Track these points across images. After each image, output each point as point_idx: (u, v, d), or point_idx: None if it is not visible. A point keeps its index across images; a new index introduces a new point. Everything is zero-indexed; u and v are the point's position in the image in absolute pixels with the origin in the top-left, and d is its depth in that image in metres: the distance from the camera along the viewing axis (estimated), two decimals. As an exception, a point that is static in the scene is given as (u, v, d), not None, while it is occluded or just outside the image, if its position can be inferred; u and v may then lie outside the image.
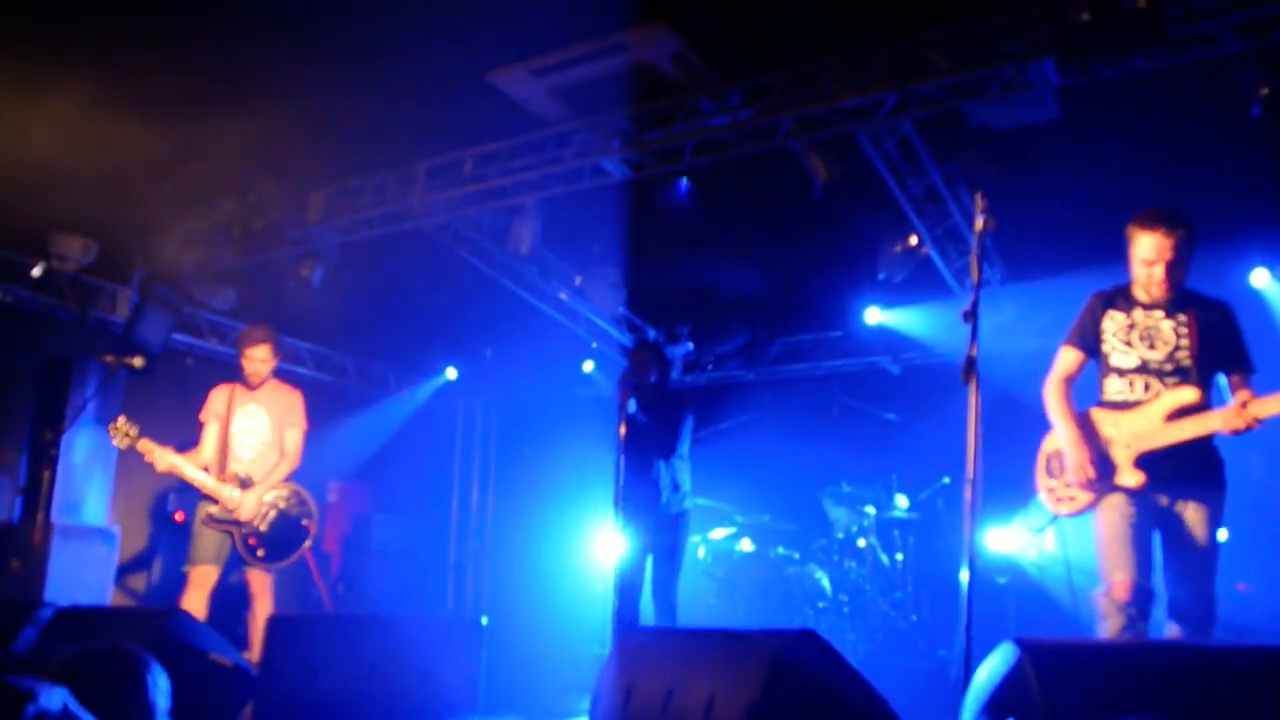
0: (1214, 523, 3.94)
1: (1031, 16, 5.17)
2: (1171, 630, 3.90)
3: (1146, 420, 3.98)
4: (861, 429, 8.88)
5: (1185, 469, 3.93)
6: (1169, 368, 4.01)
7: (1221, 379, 4.06)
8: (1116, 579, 3.87)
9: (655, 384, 5.97)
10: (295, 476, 6.14)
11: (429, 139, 7.07)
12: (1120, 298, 4.19)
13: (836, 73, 5.79)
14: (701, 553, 8.07)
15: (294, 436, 6.11)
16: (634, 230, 7.73)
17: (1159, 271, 4.01)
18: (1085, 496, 4.06)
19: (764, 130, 6.17)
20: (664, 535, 5.82)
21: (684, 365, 10.12)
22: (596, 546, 8.64)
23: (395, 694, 4.09)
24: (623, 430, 5.23)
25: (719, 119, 6.25)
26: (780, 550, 8.03)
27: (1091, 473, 3.98)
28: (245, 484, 5.86)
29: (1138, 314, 4.12)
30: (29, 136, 6.01)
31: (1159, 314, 4.09)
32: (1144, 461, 3.94)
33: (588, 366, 10.18)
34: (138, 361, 6.05)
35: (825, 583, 7.76)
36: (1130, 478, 3.95)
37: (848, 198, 6.49)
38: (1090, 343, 4.22)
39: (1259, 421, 3.75)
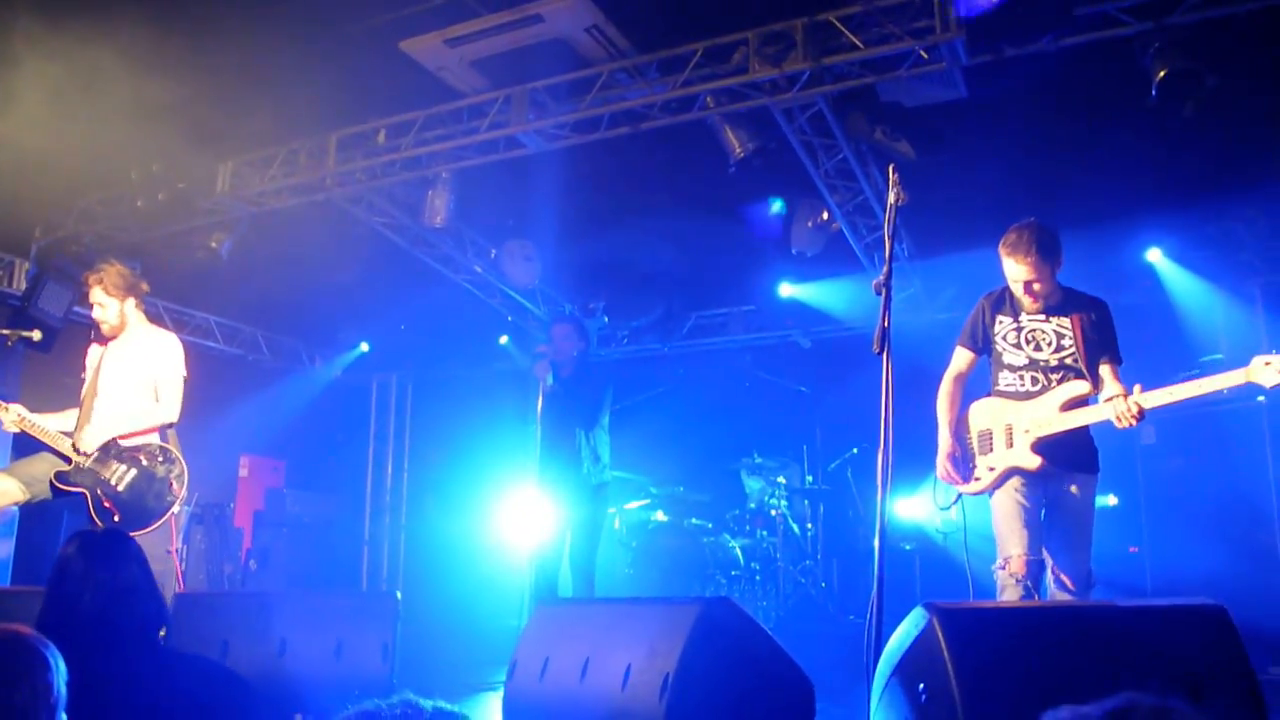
0: (1090, 500, 4.34)
1: (942, -4, 5.28)
2: (1057, 594, 4.25)
3: (1044, 409, 4.33)
4: (773, 401, 9.02)
5: (1070, 453, 4.31)
6: (1054, 363, 4.39)
7: (1099, 372, 4.40)
8: (1014, 554, 4.23)
9: (576, 357, 6.00)
10: (200, 442, 5.55)
11: (342, 109, 6.93)
12: (1007, 302, 4.54)
13: (752, 47, 5.85)
14: (617, 524, 8.16)
15: (167, 383, 5.28)
16: (549, 203, 7.70)
17: (1033, 288, 4.36)
18: (989, 478, 4.40)
19: (680, 103, 6.21)
20: (584, 506, 5.86)
21: (599, 339, 10.15)
22: (512, 519, 8.65)
23: (308, 671, 4.06)
24: (541, 403, 5.25)
25: (635, 92, 6.27)
26: (694, 520, 8.15)
27: (950, 472, 4.48)
28: (78, 450, 5.09)
29: (1023, 318, 4.48)
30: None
31: (1041, 318, 4.45)
32: (1040, 446, 4.30)
33: (503, 340, 10.15)
34: (36, 335, 5.85)
35: (738, 552, 7.90)
36: (1030, 460, 4.30)
37: (762, 172, 6.56)
38: (981, 344, 4.59)
39: (1143, 411, 4.11)
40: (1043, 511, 4.33)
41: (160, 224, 7.68)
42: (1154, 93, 5.40)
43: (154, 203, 7.24)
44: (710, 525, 8.14)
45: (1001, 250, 4.40)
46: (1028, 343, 4.44)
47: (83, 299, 5.38)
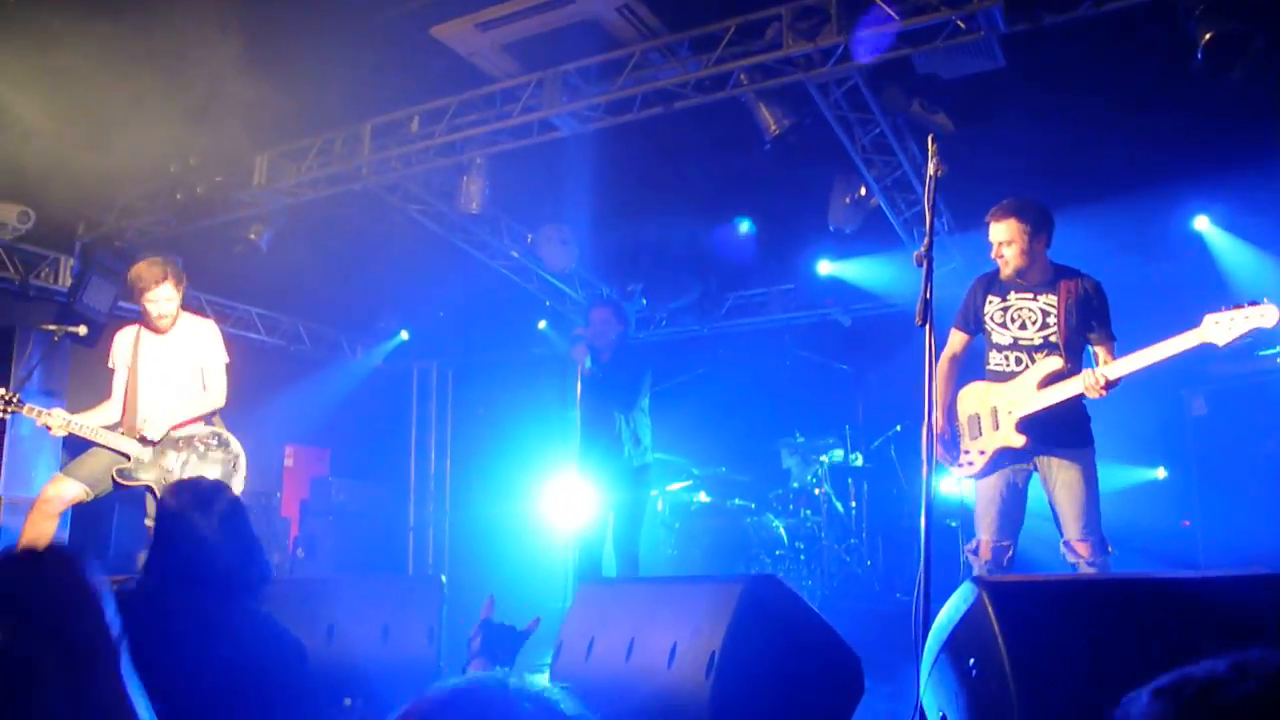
0: (1087, 473, 4.33)
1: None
2: (1084, 569, 4.26)
3: (1023, 389, 4.38)
4: (814, 380, 8.97)
5: (1056, 431, 4.34)
6: (1039, 342, 4.41)
7: (1092, 350, 4.43)
8: (982, 539, 4.40)
9: (615, 340, 5.99)
10: (244, 432, 5.52)
11: (375, 97, 6.95)
12: (999, 282, 4.58)
13: (785, 22, 5.77)
14: (660, 505, 8.15)
15: (213, 370, 5.38)
16: (584, 186, 7.68)
17: (1007, 253, 4.42)
18: (981, 461, 4.47)
19: (713, 82, 6.15)
20: (625, 489, 5.86)
21: (637, 321, 10.14)
22: (555, 503, 8.67)
23: (355, 655, 4.10)
24: (580, 387, 5.24)
25: (667, 71, 6.22)
26: (736, 501, 8.13)
27: (941, 454, 4.52)
28: (146, 441, 5.17)
29: (1011, 297, 4.52)
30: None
31: (1028, 295, 4.48)
32: (1023, 425, 4.34)
33: (542, 325, 10.16)
34: (81, 330, 5.91)
35: (781, 531, 7.87)
36: (1015, 439, 4.35)
37: (798, 149, 6.49)
38: (973, 325, 4.65)
39: (1110, 382, 4.13)
40: (1027, 497, 4.41)
41: (199, 218, 7.75)
42: (1199, 56, 5.26)
43: (192, 197, 7.31)
44: (753, 505, 8.11)
45: (988, 217, 4.49)
46: (1013, 322, 4.49)
47: (138, 294, 5.33)
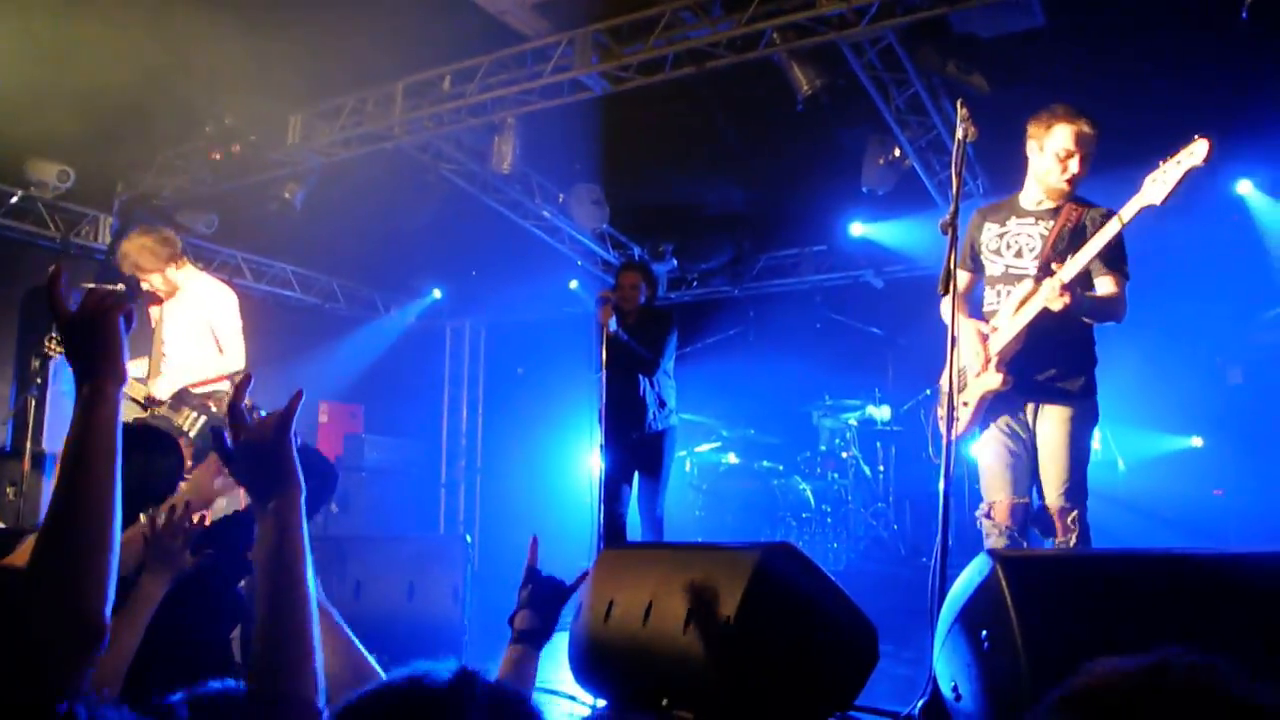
0: (1076, 429, 3.92)
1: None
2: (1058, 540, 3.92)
3: (1003, 319, 4.00)
4: (845, 342, 8.91)
5: (1046, 373, 3.94)
6: (1033, 271, 3.99)
7: (1104, 282, 4.01)
8: (998, 500, 3.95)
9: (641, 303, 5.98)
10: (279, 388, 5.75)
11: (407, 57, 6.94)
12: (1002, 209, 4.19)
13: (818, -19, 5.69)
14: (688, 466, 8.18)
15: (226, 333, 5.47)
16: (616, 146, 7.64)
17: (1071, 164, 3.94)
18: (966, 414, 4.02)
19: (745, 41, 6.07)
20: (650, 451, 5.88)
21: (668, 282, 10.11)
22: (581, 464, 8.73)
23: (381, 613, 4.18)
24: (604, 349, 5.25)
25: (699, 30, 6.15)
26: (764, 463, 8.14)
27: (987, 366, 3.96)
28: (152, 400, 5.24)
29: (1011, 222, 4.11)
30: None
31: (1029, 220, 4.08)
32: (1004, 363, 3.94)
33: (573, 284, 10.16)
34: (120, 287, 5.99)
35: (809, 494, 7.88)
36: (992, 379, 3.93)
37: (831, 110, 6.40)
38: (970, 261, 4.21)
39: (1066, 286, 3.73)
40: (1036, 444, 3.96)
41: (235, 176, 7.82)
42: (1244, 14, 5.11)
43: (228, 155, 7.38)
44: (781, 468, 8.12)
45: (1055, 117, 3.96)
46: (1008, 249, 4.08)
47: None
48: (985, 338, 4.02)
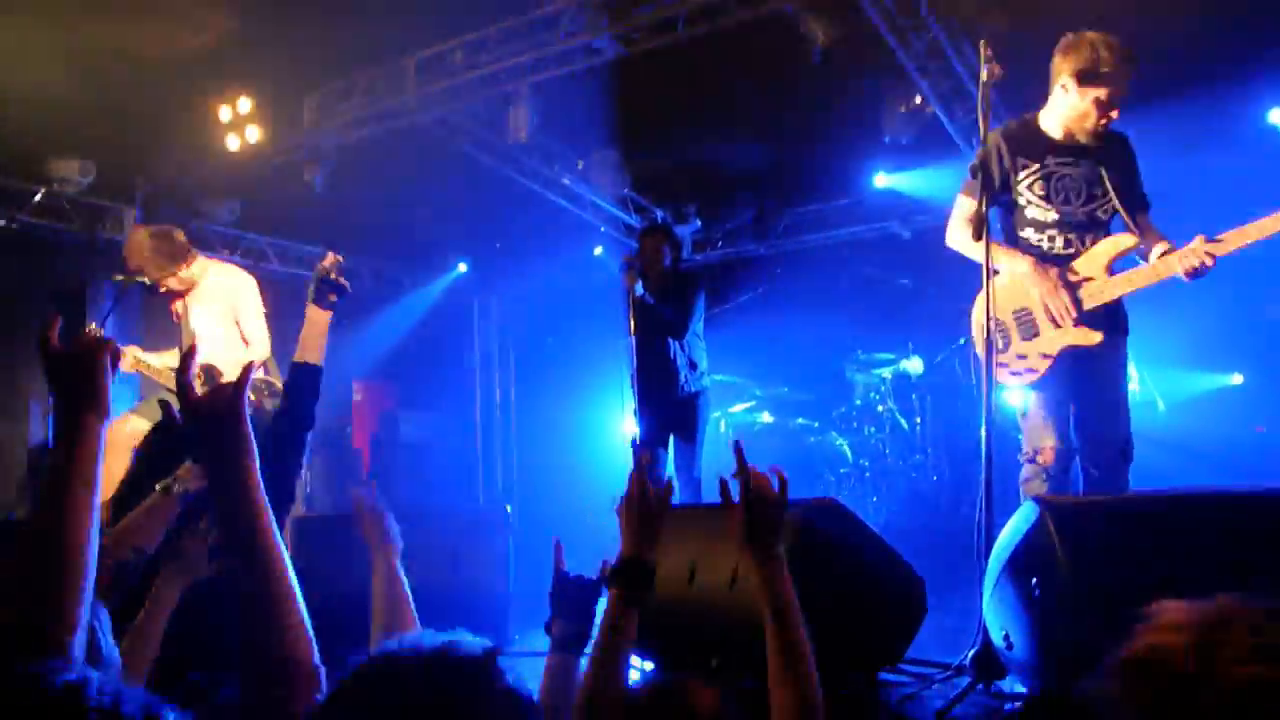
0: (1124, 362, 4.00)
1: None
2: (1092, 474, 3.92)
3: (1094, 269, 3.90)
4: (875, 295, 8.83)
5: (1109, 319, 3.93)
6: (1083, 218, 3.95)
7: (1124, 218, 3.98)
8: (1046, 445, 3.88)
9: (666, 265, 5.94)
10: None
11: (417, 32, 6.89)
12: (1031, 141, 4.04)
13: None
14: (723, 427, 8.16)
15: (249, 322, 5.47)
16: (633, 109, 7.57)
17: (1115, 112, 3.88)
18: (1043, 365, 3.93)
19: (757, -6, 5.97)
20: (684, 413, 5.87)
21: (693, 243, 10.05)
22: (616, 429, 8.73)
23: (425, 583, 4.20)
24: (632, 314, 5.22)
25: (710, -14, 6.06)
26: (800, 420, 8.11)
27: (1071, 307, 3.88)
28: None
29: (1049, 160, 3.99)
30: (18, 62, 5.90)
31: (1068, 160, 3.98)
32: (1090, 317, 3.89)
33: (598, 251, 10.13)
34: (147, 279, 6.02)
35: (846, 449, 7.85)
36: (1091, 336, 3.87)
37: (848, 61, 6.30)
38: (1000, 187, 4.03)
39: (1214, 261, 3.67)
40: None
41: (253, 162, 7.82)
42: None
43: (245, 142, 7.38)
44: (816, 424, 8.09)
45: (1086, 55, 3.82)
46: (1056, 194, 3.97)
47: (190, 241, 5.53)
48: (1071, 287, 3.93)
